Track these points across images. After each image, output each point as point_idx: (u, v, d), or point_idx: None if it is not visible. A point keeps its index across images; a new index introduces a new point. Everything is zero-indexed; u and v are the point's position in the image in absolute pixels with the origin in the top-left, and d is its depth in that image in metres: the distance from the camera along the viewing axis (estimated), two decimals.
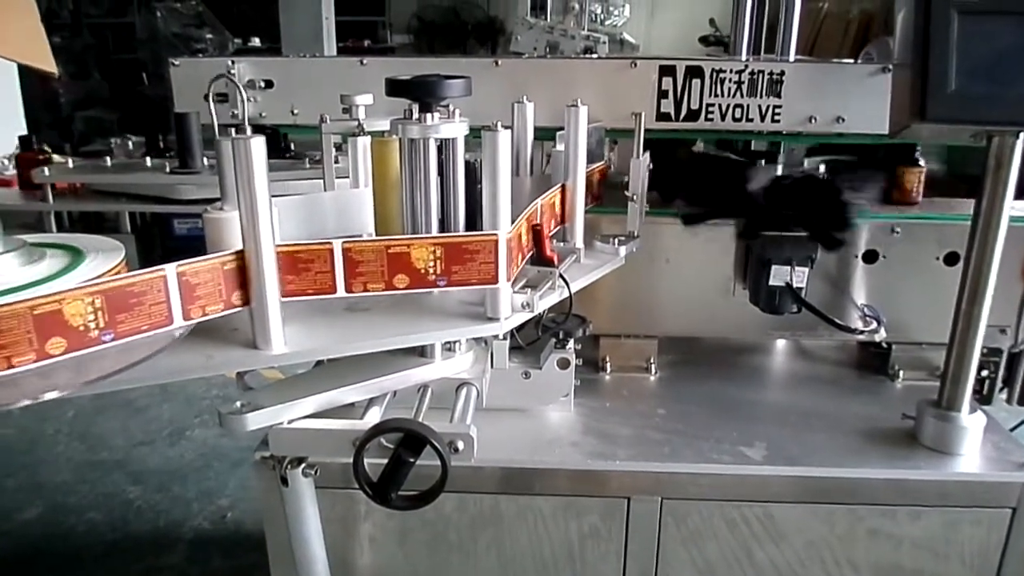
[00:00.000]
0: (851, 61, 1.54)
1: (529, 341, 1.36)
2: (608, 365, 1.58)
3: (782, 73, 1.42)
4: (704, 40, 8.02)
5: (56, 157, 3.82)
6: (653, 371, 1.58)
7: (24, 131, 4.26)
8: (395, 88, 1.07)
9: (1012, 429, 1.53)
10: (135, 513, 2.87)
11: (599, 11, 5.81)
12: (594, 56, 4.21)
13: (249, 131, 0.97)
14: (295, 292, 1.02)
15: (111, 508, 2.90)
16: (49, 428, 3.41)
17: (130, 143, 3.91)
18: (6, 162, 3.63)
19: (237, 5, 8.50)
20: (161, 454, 3.25)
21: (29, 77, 5.40)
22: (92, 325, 0.87)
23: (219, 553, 2.66)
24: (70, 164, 3.36)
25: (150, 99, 7.50)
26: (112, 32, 8.74)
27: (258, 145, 0.93)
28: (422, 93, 1.06)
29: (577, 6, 5.47)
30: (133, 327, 0.90)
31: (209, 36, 7.68)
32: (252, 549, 2.64)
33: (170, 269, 0.92)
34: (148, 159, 3.36)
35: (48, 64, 1.28)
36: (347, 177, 1.32)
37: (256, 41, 7.82)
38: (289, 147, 3.26)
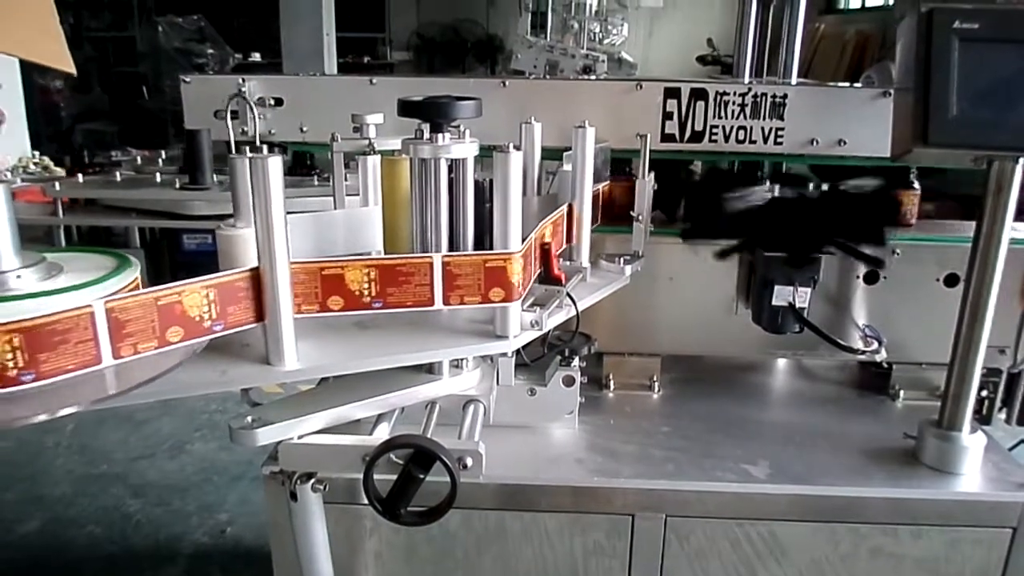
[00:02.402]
0: (851, 85, 1.57)
1: (534, 358, 1.37)
2: (611, 383, 1.59)
3: (785, 96, 1.45)
4: (702, 59, 8.09)
5: (57, 170, 3.85)
6: (656, 389, 1.59)
7: (27, 144, 4.27)
8: (407, 109, 1.08)
9: (1010, 449, 1.54)
10: (135, 527, 2.87)
11: (598, 30, 5.86)
12: (595, 77, 4.24)
13: (265, 149, 0.99)
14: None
15: (111, 521, 2.89)
16: (49, 441, 3.41)
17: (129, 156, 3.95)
18: (9, 174, 3.64)
19: (237, 20, 8.55)
20: (161, 468, 3.24)
21: (31, 90, 5.42)
22: (11, 364, 0.84)
23: (218, 568, 2.65)
24: (80, 179, 3.38)
25: (150, 112, 7.53)
26: (113, 46, 8.79)
27: (275, 164, 0.94)
28: (434, 114, 1.07)
29: (576, 25, 5.52)
30: (57, 367, 0.87)
31: (210, 51, 7.71)
32: (251, 564, 2.64)
33: (98, 305, 0.88)
34: (158, 175, 3.40)
35: (66, 64, 1.27)
36: (356, 195, 1.34)
37: (257, 56, 7.86)
38: (314, 166, 3.28)
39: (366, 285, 1.05)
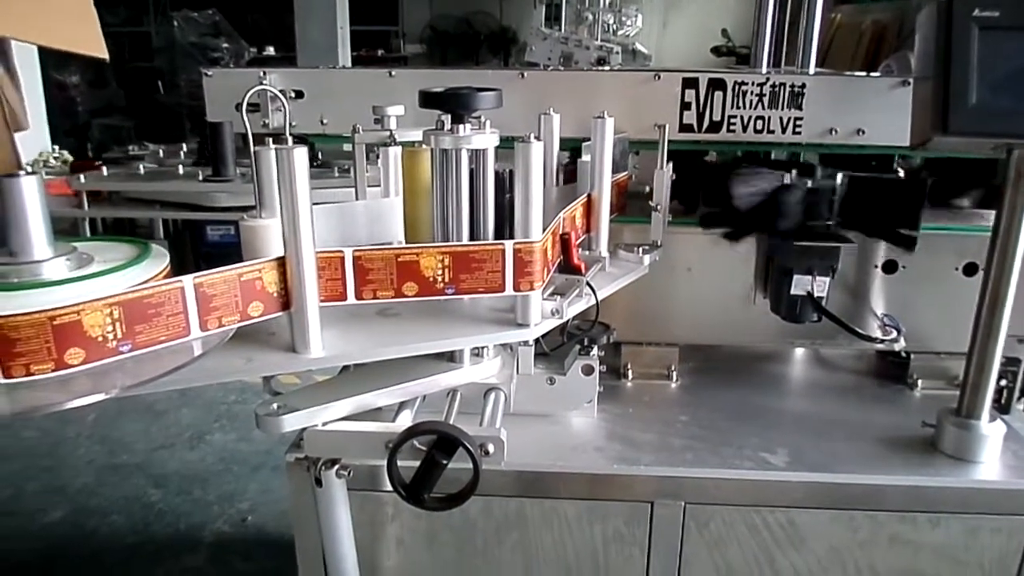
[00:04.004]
0: (869, 74, 1.56)
1: (553, 347, 1.38)
2: (629, 372, 1.60)
3: (803, 86, 1.45)
4: (716, 50, 8.04)
5: None
6: (674, 378, 1.60)
7: (48, 139, 4.32)
8: (429, 100, 1.09)
9: None
10: (156, 516, 2.91)
11: (612, 21, 5.84)
12: (608, 68, 4.24)
13: (290, 141, 1.00)
14: None
15: (132, 511, 2.93)
16: (70, 431, 3.46)
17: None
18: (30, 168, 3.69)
19: (252, 15, 8.59)
20: (181, 458, 3.29)
21: (47, 85, 5.46)
22: (110, 336, 0.88)
23: (239, 556, 2.69)
24: (104, 172, 3.43)
25: (166, 107, 7.58)
26: (129, 41, 8.83)
27: (301, 155, 0.96)
28: (456, 105, 1.08)
29: (590, 16, 5.50)
30: (151, 338, 0.92)
31: (225, 45, 7.75)
32: (272, 553, 2.67)
33: (187, 280, 0.93)
34: (181, 167, 3.45)
35: (98, 49, 1.24)
36: (378, 186, 1.35)
37: (271, 50, 7.90)
38: (317, 156, 3.33)
39: (440, 271, 1.07)
